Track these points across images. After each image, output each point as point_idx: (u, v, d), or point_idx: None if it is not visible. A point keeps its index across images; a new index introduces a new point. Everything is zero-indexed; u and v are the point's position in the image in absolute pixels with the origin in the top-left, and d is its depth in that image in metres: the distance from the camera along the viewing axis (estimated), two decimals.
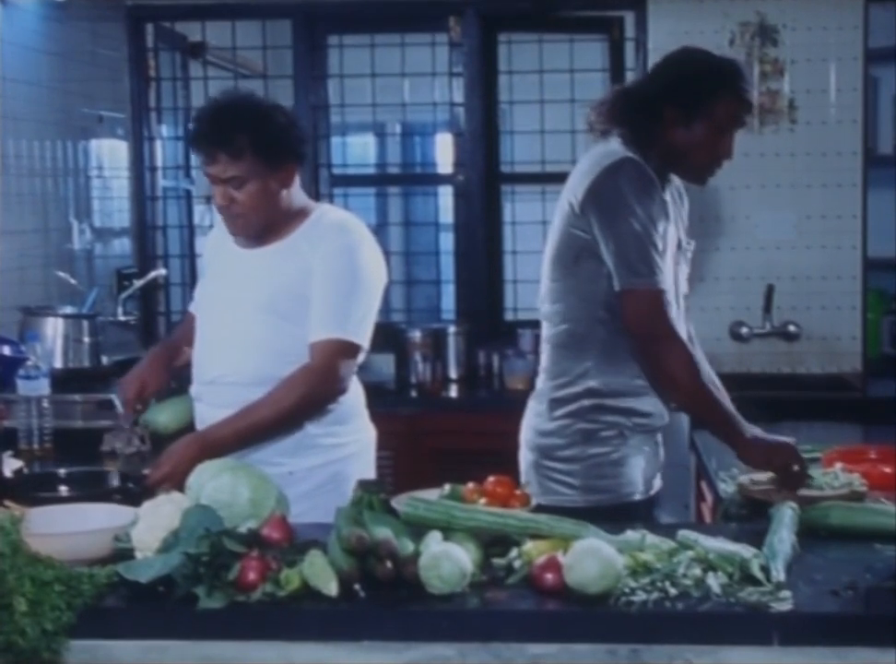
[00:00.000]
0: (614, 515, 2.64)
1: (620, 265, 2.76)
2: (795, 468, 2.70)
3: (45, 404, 3.43)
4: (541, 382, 2.98)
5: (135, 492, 2.57)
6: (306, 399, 2.79)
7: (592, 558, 1.98)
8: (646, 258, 2.75)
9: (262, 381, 2.78)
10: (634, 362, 2.85)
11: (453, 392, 4.92)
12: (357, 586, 2.00)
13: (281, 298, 2.83)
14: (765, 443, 2.74)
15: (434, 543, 2.07)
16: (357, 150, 6.93)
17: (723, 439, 2.81)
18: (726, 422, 2.77)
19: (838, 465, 2.84)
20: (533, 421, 2.97)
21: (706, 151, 2.88)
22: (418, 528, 2.13)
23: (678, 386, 2.79)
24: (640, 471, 2.90)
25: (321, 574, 2.00)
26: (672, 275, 2.89)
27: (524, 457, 2.97)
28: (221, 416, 2.79)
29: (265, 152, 2.77)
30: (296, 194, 2.90)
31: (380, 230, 6.51)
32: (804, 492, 2.65)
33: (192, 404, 3.15)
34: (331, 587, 1.98)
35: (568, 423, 2.88)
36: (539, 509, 2.36)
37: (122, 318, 4.78)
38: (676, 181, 3.00)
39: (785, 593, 1.98)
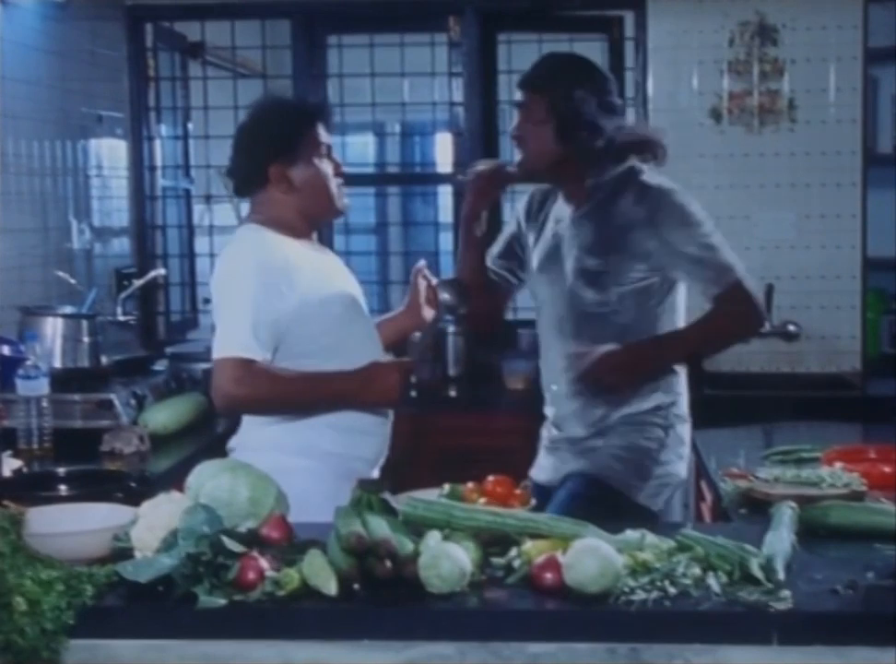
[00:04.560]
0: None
1: None
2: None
3: (44, 404, 3.43)
4: None
5: (134, 492, 2.57)
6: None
7: (591, 557, 1.98)
8: None
9: None
10: None
11: (453, 391, 4.91)
12: (356, 586, 2.00)
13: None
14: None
15: (434, 543, 2.07)
16: (356, 150, 6.92)
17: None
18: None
19: (838, 464, 2.84)
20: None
21: None
22: (417, 528, 2.13)
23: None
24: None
25: (320, 573, 2.00)
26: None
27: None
28: None
29: None
30: None
31: (379, 229, 6.52)
32: (804, 491, 2.65)
33: (191, 404, 3.14)
34: (330, 587, 1.98)
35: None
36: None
37: (121, 318, 4.76)
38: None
39: (785, 592, 1.98)
